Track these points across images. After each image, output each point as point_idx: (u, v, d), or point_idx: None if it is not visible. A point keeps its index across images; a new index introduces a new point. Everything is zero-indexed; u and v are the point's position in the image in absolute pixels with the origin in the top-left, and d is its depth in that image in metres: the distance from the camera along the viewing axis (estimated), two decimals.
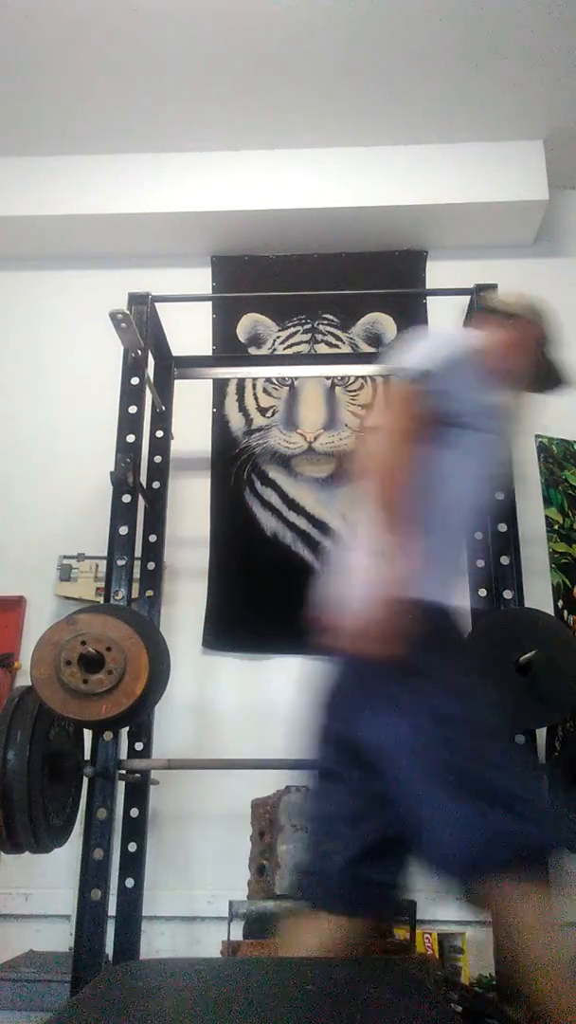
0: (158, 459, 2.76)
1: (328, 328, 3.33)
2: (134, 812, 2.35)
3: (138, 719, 2.32)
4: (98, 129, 3.22)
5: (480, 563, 2.49)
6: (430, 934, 2.40)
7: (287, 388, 3.24)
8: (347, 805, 1.45)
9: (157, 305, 2.60)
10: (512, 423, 1.79)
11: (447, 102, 3.11)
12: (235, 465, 3.15)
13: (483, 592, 2.46)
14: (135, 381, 2.44)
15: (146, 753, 2.43)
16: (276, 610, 2.97)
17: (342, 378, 3.22)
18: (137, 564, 2.40)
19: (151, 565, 2.60)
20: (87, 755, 2.08)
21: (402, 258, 3.42)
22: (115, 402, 2.41)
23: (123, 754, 2.23)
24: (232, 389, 3.27)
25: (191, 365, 2.94)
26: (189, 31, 2.81)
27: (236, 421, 3.22)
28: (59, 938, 2.58)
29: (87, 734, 2.10)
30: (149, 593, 2.58)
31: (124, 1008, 1.09)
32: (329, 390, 3.23)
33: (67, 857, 2.37)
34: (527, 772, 1.52)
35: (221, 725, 2.83)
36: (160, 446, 2.78)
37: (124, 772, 2.14)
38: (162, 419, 2.81)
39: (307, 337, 3.32)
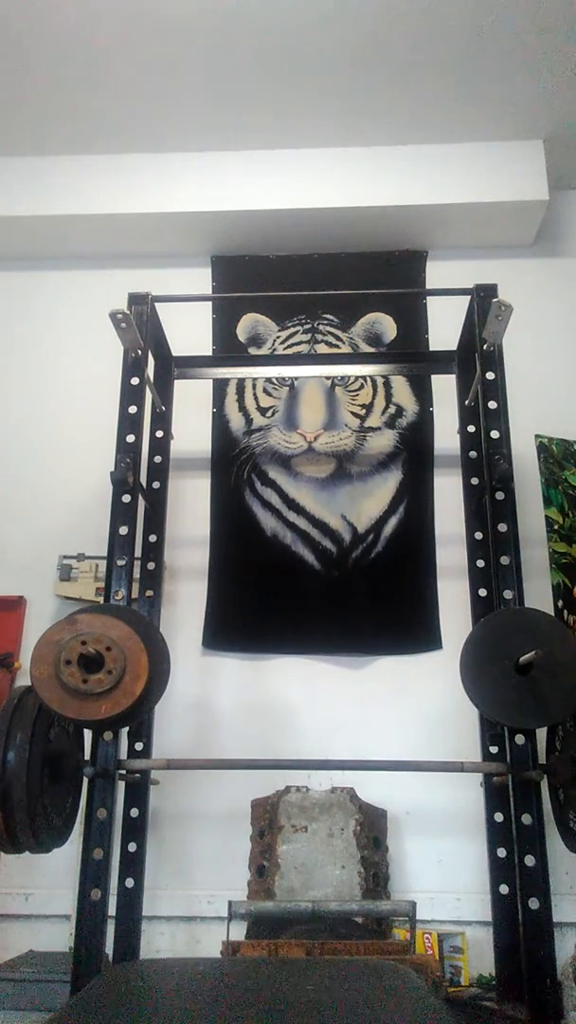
0: (158, 459, 2.75)
1: (328, 328, 3.33)
2: (134, 812, 2.35)
3: (138, 719, 2.31)
4: (98, 129, 3.22)
5: (480, 563, 2.49)
6: (430, 934, 2.40)
7: (287, 388, 3.24)
8: None
9: (157, 305, 2.59)
10: None
11: (447, 102, 3.11)
12: (235, 465, 3.15)
13: (483, 592, 2.46)
14: (135, 381, 2.44)
15: (146, 753, 2.42)
16: (276, 610, 2.97)
17: (342, 378, 3.22)
18: (137, 564, 2.40)
19: (151, 565, 2.60)
20: (87, 755, 2.07)
21: (402, 258, 3.42)
22: (115, 402, 2.41)
23: (123, 754, 2.23)
24: (232, 389, 3.27)
25: (191, 365, 2.94)
26: (189, 32, 2.81)
27: (236, 421, 3.22)
28: (59, 938, 2.58)
29: (87, 734, 2.10)
30: (149, 593, 2.57)
31: (124, 1008, 1.09)
32: (329, 390, 3.23)
33: (67, 857, 2.37)
34: None
35: (221, 725, 2.83)
36: (160, 446, 2.78)
37: (124, 772, 2.13)
38: (162, 419, 2.80)
39: (307, 337, 3.32)
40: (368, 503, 3.08)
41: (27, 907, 2.67)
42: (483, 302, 2.43)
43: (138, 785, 2.35)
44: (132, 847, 2.33)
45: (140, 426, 2.39)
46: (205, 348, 3.29)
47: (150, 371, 2.59)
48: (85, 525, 2.92)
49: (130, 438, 2.36)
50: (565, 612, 2.75)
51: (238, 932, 2.30)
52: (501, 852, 2.23)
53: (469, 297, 2.54)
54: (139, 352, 2.46)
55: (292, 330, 3.33)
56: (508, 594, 2.17)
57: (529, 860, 1.93)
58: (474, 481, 2.59)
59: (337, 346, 3.30)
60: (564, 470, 2.95)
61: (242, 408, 3.23)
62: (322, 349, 3.30)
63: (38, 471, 3.20)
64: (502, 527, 2.24)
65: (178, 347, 2.87)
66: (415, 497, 3.08)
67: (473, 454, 2.63)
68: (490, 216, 3.27)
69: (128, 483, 2.29)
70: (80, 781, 2.08)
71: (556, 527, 2.85)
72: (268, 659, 2.92)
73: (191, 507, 3.07)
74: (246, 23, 2.78)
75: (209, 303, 3.36)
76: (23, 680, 2.64)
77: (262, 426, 3.20)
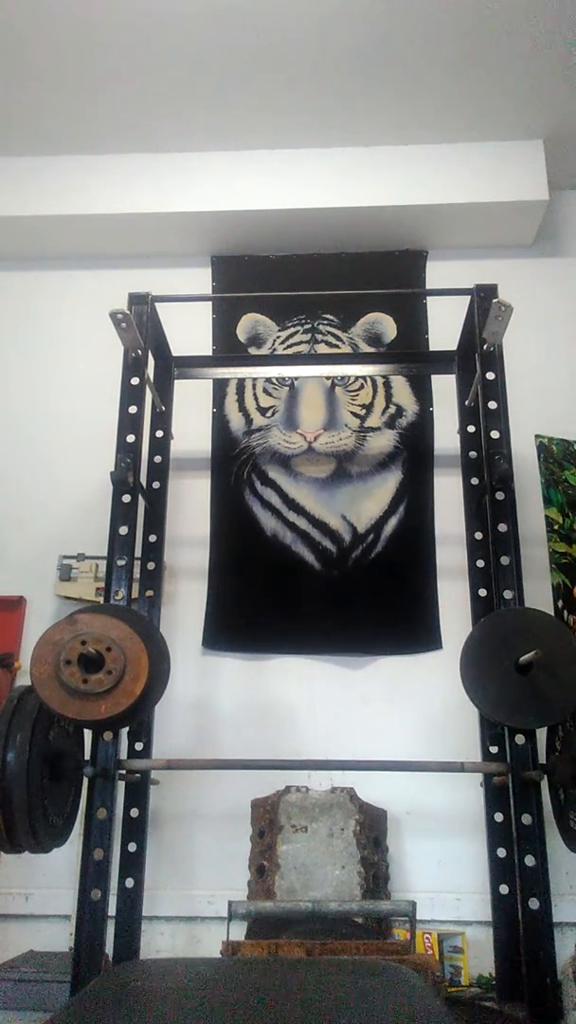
0: (158, 459, 2.76)
1: (328, 328, 3.33)
2: (134, 812, 2.35)
3: (138, 719, 2.32)
4: (98, 129, 3.23)
5: (480, 563, 2.49)
6: (430, 934, 2.41)
7: (287, 388, 3.24)
8: None
9: (157, 305, 2.60)
10: None
11: (447, 102, 3.11)
12: (235, 465, 3.15)
13: (483, 592, 2.46)
14: (135, 381, 2.44)
15: (146, 753, 2.42)
16: (276, 610, 2.97)
17: (342, 378, 3.22)
18: (137, 564, 2.40)
19: (151, 565, 2.60)
20: (87, 755, 2.07)
21: (402, 258, 3.42)
22: (115, 402, 2.41)
23: (123, 754, 2.23)
24: (232, 389, 3.27)
25: (191, 365, 2.94)
26: (189, 31, 2.81)
27: (236, 421, 3.22)
28: (59, 938, 2.58)
29: (87, 734, 2.10)
30: (149, 593, 2.57)
31: (124, 1008, 1.09)
32: (329, 390, 3.23)
33: (67, 857, 2.37)
34: None
35: (221, 725, 2.83)
36: (160, 446, 2.78)
37: (124, 772, 2.13)
38: (162, 419, 2.81)
39: (307, 337, 3.32)
40: (368, 503, 3.08)
41: (27, 907, 2.67)
42: (483, 302, 2.44)
43: (138, 785, 2.35)
44: (132, 847, 2.33)
45: (140, 426, 2.39)
46: (205, 348, 3.29)
47: (150, 371, 2.59)
48: (85, 525, 2.92)
49: (130, 438, 2.36)
50: (565, 612, 2.75)
51: (238, 932, 2.30)
52: (501, 852, 2.23)
53: (469, 297, 2.54)
54: (139, 352, 2.46)
55: (292, 330, 3.33)
56: (508, 594, 2.17)
57: (529, 860, 1.93)
58: (474, 481, 2.59)
59: (337, 346, 3.30)
60: (564, 470, 2.95)
61: (242, 408, 3.23)
62: (322, 349, 3.29)
63: (38, 471, 3.20)
64: (502, 527, 2.24)
65: (178, 347, 2.87)
66: (415, 497, 3.08)
67: (473, 454, 2.63)
68: (490, 216, 3.27)
69: (128, 483, 2.29)
70: (80, 781, 2.08)
71: (556, 527, 2.85)
72: (268, 659, 2.92)
73: (191, 507, 3.07)
74: (246, 23, 2.78)
75: (209, 303, 3.36)
76: (23, 680, 2.64)
77: (262, 426, 3.20)
